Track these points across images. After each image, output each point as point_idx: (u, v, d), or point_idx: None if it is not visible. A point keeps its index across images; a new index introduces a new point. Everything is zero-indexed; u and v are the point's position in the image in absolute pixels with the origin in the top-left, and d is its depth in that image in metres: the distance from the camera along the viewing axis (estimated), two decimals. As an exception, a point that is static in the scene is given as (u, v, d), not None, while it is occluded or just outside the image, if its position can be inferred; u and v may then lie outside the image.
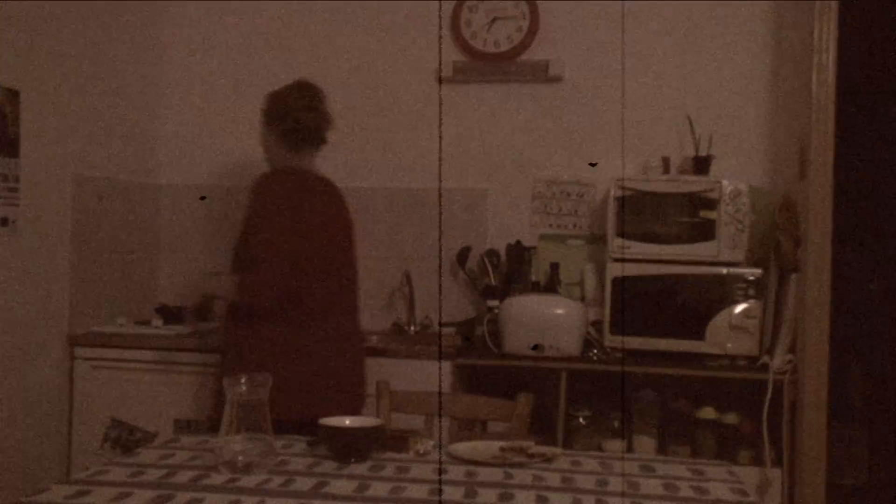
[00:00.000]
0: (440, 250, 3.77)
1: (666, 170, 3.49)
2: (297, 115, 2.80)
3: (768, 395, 3.03)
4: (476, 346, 3.38)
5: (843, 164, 3.19)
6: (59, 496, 1.67)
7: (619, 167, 3.59)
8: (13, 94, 3.03)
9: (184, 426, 3.23)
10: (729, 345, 3.15)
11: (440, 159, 3.79)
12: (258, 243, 2.59)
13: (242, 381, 1.84)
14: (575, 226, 3.68)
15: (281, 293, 2.60)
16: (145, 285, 3.84)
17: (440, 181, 3.79)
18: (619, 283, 3.26)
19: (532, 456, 1.99)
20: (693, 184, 3.29)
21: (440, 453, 2.03)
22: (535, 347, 3.17)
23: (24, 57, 3.08)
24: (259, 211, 2.65)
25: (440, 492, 1.73)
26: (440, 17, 3.80)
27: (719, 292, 3.17)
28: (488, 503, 1.67)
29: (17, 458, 3.07)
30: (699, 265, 3.21)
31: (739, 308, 3.15)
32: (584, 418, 3.25)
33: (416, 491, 1.73)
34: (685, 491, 1.79)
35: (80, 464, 3.22)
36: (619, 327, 3.25)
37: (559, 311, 3.24)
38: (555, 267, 3.55)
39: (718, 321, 3.15)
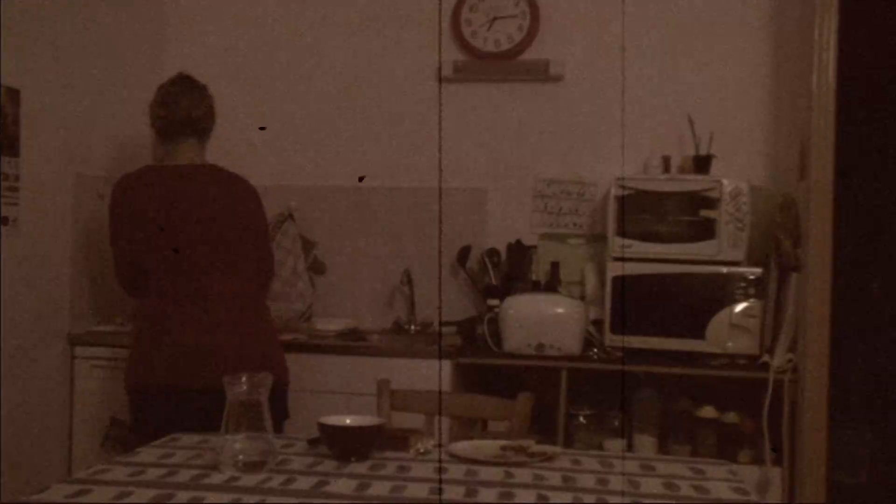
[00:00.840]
0: (440, 249, 3.77)
1: (666, 169, 3.49)
2: (156, 110, 2.85)
3: (768, 394, 3.03)
4: (476, 345, 3.38)
5: (843, 163, 3.18)
6: (59, 495, 1.67)
7: (619, 166, 3.58)
8: (14, 93, 3.03)
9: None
10: (729, 344, 3.15)
11: (440, 158, 3.79)
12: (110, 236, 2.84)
13: (243, 380, 1.84)
14: (575, 225, 3.68)
15: (129, 274, 2.80)
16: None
17: (440, 180, 3.79)
18: (620, 282, 3.26)
19: (532, 455, 1.99)
20: (693, 183, 3.29)
21: (440, 452, 2.03)
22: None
23: (25, 56, 3.08)
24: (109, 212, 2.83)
25: (440, 491, 1.73)
26: (440, 14, 3.79)
27: (719, 291, 3.17)
28: (489, 502, 1.67)
29: (17, 458, 3.07)
30: (699, 264, 3.21)
31: (740, 307, 3.15)
32: (585, 417, 3.25)
33: (417, 490, 1.73)
34: (686, 490, 1.79)
35: (80, 463, 3.23)
36: (619, 326, 3.25)
37: (559, 311, 3.24)
38: (555, 266, 3.55)
39: (719, 320, 3.15)
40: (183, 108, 2.83)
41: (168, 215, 2.73)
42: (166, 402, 2.58)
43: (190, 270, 2.72)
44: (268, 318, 2.90)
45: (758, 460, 3.10)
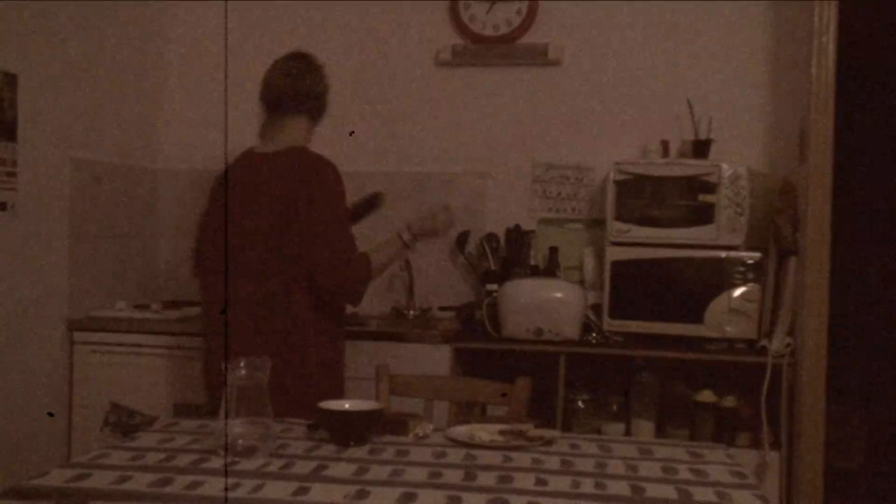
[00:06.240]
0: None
1: (665, 153, 3.48)
2: (274, 82, 2.76)
3: (767, 378, 3.04)
4: (475, 330, 3.38)
5: (842, 148, 3.18)
6: (59, 480, 1.67)
7: (618, 150, 3.58)
8: (11, 78, 3.01)
9: (183, 410, 3.24)
10: (728, 328, 3.15)
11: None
12: None
13: (242, 364, 1.84)
14: (574, 209, 3.68)
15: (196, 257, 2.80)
16: (144, 269, 3.84)
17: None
18: (618, 266, 3.26)
19: (531, 439, 1.99)
20: (692, 167, 3.29)
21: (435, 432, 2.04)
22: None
23: (22, 40, 3.07)
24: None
25: (439, 475, 1.74)
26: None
27: (718, 276, 3.17)
28: (487, 486, 1.67)
29: (17, 443, 3.07)
30: (698, 249, 3.21)
31: (738, 291, 3.15)
32: (583, 401, 3.26)
33: (416, 474, 1.74)
34: (684, 473, 1.79)
35: (79, 448, 3.23)
36: (618, 311, 3.26)
37: (558, 295, 3.24)
38: (554, 251, 3.55)
39: (717, 305, 3.16)
40: (301, 83, 2.74)
41: (226, 209, 2.61)
42: None
43: (235, 272, 2.56)
44: (308, 333, 2.59)
45: (756, 444, 3.11)
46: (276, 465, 1.79)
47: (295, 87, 2.72)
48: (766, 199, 3.31)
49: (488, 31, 3.71)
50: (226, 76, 3.91)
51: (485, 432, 2.03)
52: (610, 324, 3.27)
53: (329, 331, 2.67)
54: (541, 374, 3.04)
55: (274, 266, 2.57)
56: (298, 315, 2.57)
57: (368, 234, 3.14)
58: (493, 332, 3.31)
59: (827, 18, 3.08)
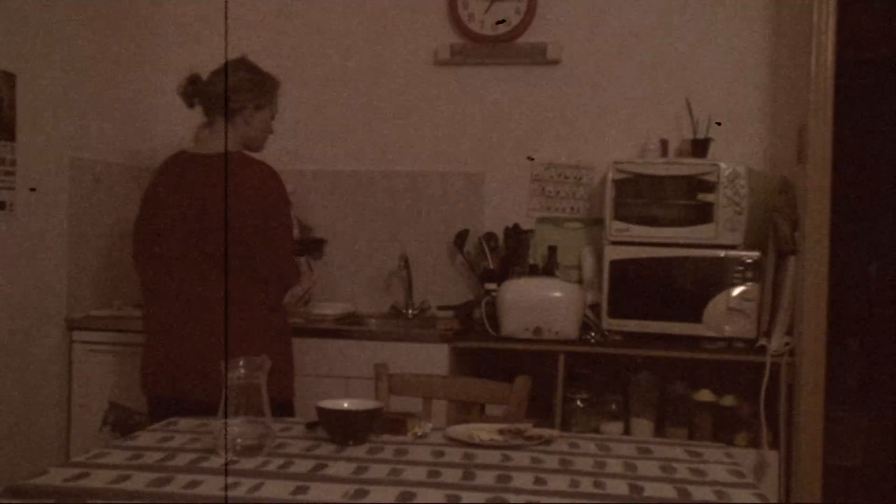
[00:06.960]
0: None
1: (664, 152, 3.49)
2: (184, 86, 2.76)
3: (765, 378, 3.04)
4: (474, 330, 3.39)
5: (841, 147, 3.18)
6: (57, 479, 1.67)
7: (617, 149, 3.58)
8: (9, 77, 3.01)
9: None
10: (726, 327, 3.15)
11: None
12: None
13: (241, 364, 1.84)
14: (573, 209, 3.68)
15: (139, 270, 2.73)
16: (143, 269, 3.83)
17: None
18: (617, 265, 3.26)
19: (530, 438, 1.99)
20: (691, 166, 3.29)
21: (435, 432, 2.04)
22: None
23: (21, 40, 3.07)
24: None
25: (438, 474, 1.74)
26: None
27: (717, 275, 3.18)
28: (486, 485, 1.67)
29: (16, 442, 3.07)
30: (697, 248, 3.21)
31: (737, 291, 3.15)
32: (582, 401, 3.26)
33: (414, 473, 1.74)
34: (682, 472, 1.79)
35: (78, 447, 3.23)
36: (616, 310, 3.26)
37: (557, 295, 3.25)
38: (553, 250, 3.55)
39: (716, 304, 3.16)
40: (212, 83, 2.73)
41: (168, 211, 2.60)
42: (169, 412, 2.34)
43: (182, 272, 2.57)
44: (269, 325, 2.64)
45: (754, 443, 3.11)
46: (275, 464, 1.79)
47: (215, 92, 2.73)
48: (764, 198, 3.32)
49: (487, 31, 3.71)
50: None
51: (483, 431, 2.03)
52: (609, 323, 3.27)
53: (285, 327, 2.72)
54: (539, 373, 3.04)
55: (233, 265, 2.56)
56: (259, 313, 2.62)
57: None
58: (491, 331, 3.31)
59: (826, 16, 3.07)
